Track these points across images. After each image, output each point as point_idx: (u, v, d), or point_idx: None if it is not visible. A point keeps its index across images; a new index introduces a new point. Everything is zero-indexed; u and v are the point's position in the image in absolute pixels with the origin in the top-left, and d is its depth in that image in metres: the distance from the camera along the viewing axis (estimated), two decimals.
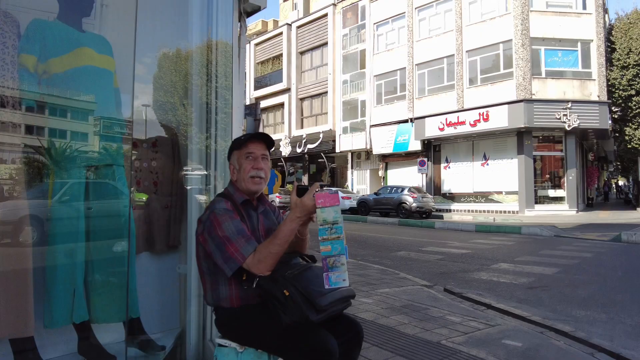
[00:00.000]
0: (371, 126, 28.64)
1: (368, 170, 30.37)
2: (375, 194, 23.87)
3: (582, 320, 4.65)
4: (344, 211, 23.99)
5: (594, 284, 6.45)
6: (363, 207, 23.70)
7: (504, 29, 22.57)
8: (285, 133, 34.82)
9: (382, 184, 28.14)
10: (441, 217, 22.65)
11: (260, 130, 10.84)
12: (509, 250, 10.01)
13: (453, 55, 24.59)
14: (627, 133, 22.77)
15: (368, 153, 29.59)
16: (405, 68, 26.95)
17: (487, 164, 24.22)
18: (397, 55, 27.49)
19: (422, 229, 16.04)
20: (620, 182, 51.23)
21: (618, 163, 47.54)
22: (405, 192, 22.23)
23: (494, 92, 22.80)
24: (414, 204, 21.68)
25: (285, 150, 33.87)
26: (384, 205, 22.98)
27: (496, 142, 23.94)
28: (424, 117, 25.30)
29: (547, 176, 23.34)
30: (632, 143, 22.80)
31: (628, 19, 22.30)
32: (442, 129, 24.37)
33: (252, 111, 10.96)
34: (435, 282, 6.39)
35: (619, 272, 7.28)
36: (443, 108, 24.74)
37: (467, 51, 24.11)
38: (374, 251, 9.80)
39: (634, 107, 21.96)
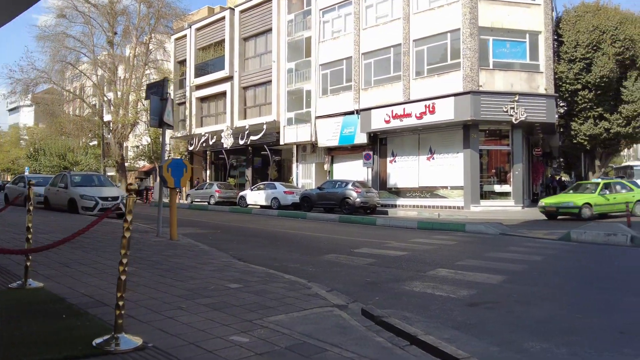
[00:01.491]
0: (317, 117, 27.32)
1: (314, 164, 29.04)
2: (319, 188, 22.60)
3: (538, 357, 3.42)
4: (285, 207, 22.63)
5: (549, 299, 5.31)
6: (306, 203, 22.37)
7: (452, 18, 21.72)
8: (227, 123, 32.97)
9: (328, 178, 26.91)
10: (386, 213, 21.66)
11: (172, 113, 9.23)
12: (451, 251, 8.88)
13: (400, 44, 23.60)
14: (573, 128, 22.51)
15: (314, 146, 28.26)
16: (351, 57, 25.76)
17: (433, 158, 23.43)
18: (344, 43, 26.27)
19: (362, 226, 14.85)
20: (564, 178, 52.37)
21: (562, 159, 48.56)
22: (350, 186, 21.08)
23: (441, 84, 21.97)
24: (358, 199, 20.59)
25: (227, 141, 32.05)
26: (327, 201, 21.77)
27: (442, 136, 23.16)
28: (370, 109, 24.22)
29: (493, 171, 22.78)
30: (577, 138, 22.57)
31: (575, 11, 21.99)
32: (388, 122, 23.35)
33: (159, 89, 9.32)
34: (355, 297, 5.07)
35: (574, 282, 6.22)
36: (389, 99, 23.75)
37: (414, 40, 23.15)
38: (300, 254, 8.42)
39: (580, 102, 21.67)
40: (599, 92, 21.24)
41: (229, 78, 33.36)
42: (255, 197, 24.33)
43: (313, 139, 27.47)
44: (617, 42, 20.86)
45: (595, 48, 20.83)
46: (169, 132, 40.15)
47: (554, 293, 5.56)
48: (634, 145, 24.63)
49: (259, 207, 23.65)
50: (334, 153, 27.60)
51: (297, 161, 29.68)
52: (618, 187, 17.47)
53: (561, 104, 23.65)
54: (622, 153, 55.18)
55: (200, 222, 15.07)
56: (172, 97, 9.61)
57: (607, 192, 17.19)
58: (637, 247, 9.52)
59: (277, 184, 24.66)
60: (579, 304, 5.05)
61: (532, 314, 4.64)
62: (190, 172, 8.87)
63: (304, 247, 9.39)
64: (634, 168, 49.28)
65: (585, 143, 22.62)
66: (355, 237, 11.21)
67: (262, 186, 24.97)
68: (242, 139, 31.10)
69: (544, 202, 18.44)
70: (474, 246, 9.85)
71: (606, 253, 8.84)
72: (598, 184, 17.59)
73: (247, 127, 30.97)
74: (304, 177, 29.59)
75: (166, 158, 33.57)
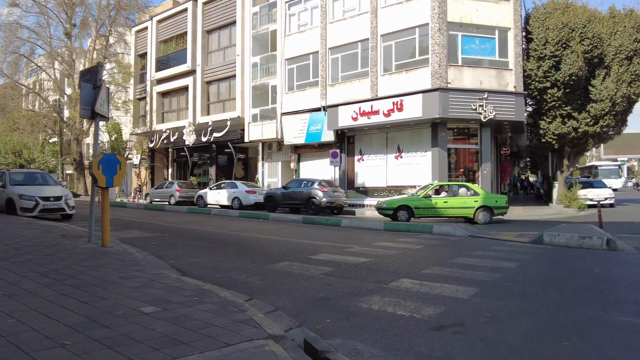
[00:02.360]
0: (282, 114, 26.35)
1: (280, 163, 28.08)
2: (284, 187, 21.69)
3: None
4: (247, 207, 21.61)
5: (526, 317, 4.55)
6: (270, 203, 21.42)
7: (420, 12, 21.11)
8: (189, 120, 31.64)
9: (295, 177, 26.00)
10: (353, 213, 20.95)
11: (107, 102, 8.16)
12: (416, 257, 8.11)
13: (367, 39, 22.87)
14: (541, 127, 22.18)
15: (280, 144, 27.28)
16: (318, 52, 24.90)
17: (401, 157, 22.81)
18: (310, 37, 25.38)
19: (326, 228, 14.00)
20: (532, 178, 52.89)
21: (528, 159, 48.95)
22: (315, 185, 20.25)
23: (409, 80, 21.34)
24: (324, 199, 19.79)
25: (190, 138, 30.74)
26: (292, 200, 20.88)
27: (411, 134, 22.57)
28: (337, 106, 23.42)
29: (462, 170, 22.30)
30: (546, 137, 22.26)
31: (545, 8, 21.64)
32: (355, 119, 22.58)
33: (92, 76, 8.23)
34: (303, 318, 4.21)
35: (553, 295, 5.49)
36: (357, 96, 23.00)
37: (382, 35, 22.46)
38: (249, 262, 7.50)
39: (548, 100, 21.33)
40: (567, 90, 20.96)
41: (192, 72, 32.06)
42: (216, 196, 23.19)
43: (279, 137, 26.50)
44: (586, 40, 20.60)
45: (564, 46, 20.52)
46: (128, 129, 38.48)
47: (531, 310, 4.80)
48: (601, 144, 24.39)
49: (219, 207, 22.57)
50: (301, 151, 26.69)
51: (262, 159, 28.65)
52: (462, 190, 16.91)
53: (530, 102, 23.36)
54: (586, 153, 56.28)
55: (150, 225, 13.93)
56: (106, 85, 8.51)
57: (445, 194, 16.78)
58: (613, 251, 8.97)
59: (238, 182, 23.58)
60: (562, 325, 4.30)
61: (506, 339, 3.86)
62: (125, 169, 7.81)
63: (257, 253, 8.46)
64: (599, 168, 50.36)
65: (554, 142, 22.34)
66: (316, 241, 10.33)
67: (222, 185, 23.85)
68: (204, 135, 29.85)
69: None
70: (442, 250, 9.11)
71: (583, 259, 8.22)
72: (439, 186, 17.37)
73: (210, 123, 29.74)
74: (270, 176, 28.59)
75: (124, 157, 31.77)
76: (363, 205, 23.41)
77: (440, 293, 5.42)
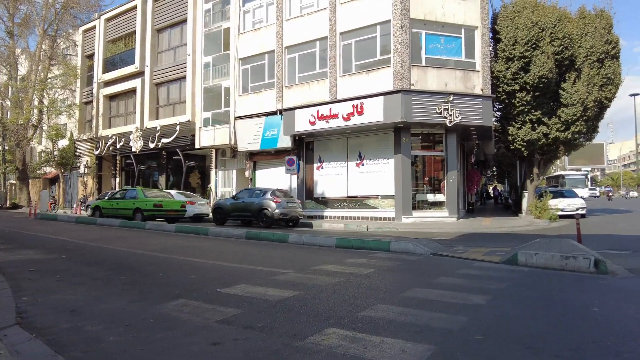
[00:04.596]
0: (236, 118, 24.39)
1: (234, 171, 26.03)
2: (234, 198, 19.68)
3: None
4: (184, 220, 19.47)
5: None
6: (219, 215, 19.38)
7: (382, 8, 19.59)
8: (136, 124, 29.26)
9: (250, 186, 23.99)
10: (310, 226, 19.09)
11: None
12: (360, 288, 6.24)
13: (326, 37, 21.23)
14: (510, 133, 20.83)
15: (234, 150, 25.24)
16: (274, 51, 23.12)
17: (363, 165, 21.13)
18: (265, 35, 23.58)
19: (270, 245, 12.04)
20: (499, 188, 52.16)
21: (495, 169, 48.18)
22: (268, 196, 18.31)
23: (370, 82, 19.74)
24: (277, 211, 17.87)
25: (136, 145, 28.36)
26: (243, 212, 18.88)
27: (372, 140, 20.95)
28: (294, 109, 21.62)
29: (427, 179, 20.75)
30: (515, 144, 20.90)
31: (514, 6, 20.37)
32: (313, 123, 20.81)
33: None
34: None
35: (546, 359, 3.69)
36: (315, 99, 21.28)
37: (341, 33, 20.84)
38: (133, 299, 5.52)
39: (517, 104, 19.99)
40: (537, 94, 19.67)
41: (140, 73, 29.78)
42: None
43: (232, 142, 24.52)
44: (556, 40, 19.39)
45: (534, 46, 19.25)
46: (75, 135, 35.68)
47: None
48: (571, 152, 23.27)
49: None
50: (257, 158, 24.74)
51: (216, 167, 26.52)
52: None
53: (498, 107, 22.04)
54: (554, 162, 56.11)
55: (57, 242, 11.70)
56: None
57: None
58: (603, 275, 7.31)
59: (174, 192, 21.36)
60: None
61: None
62: None
63: (155, 285, 6.45)
64: (566, 177, 49.96)
65: (523, 149, 21.02)
66: (245, 264, 8.38)
67: None
68: (152, 141, 27.56)
69: None
70: (395, 277, 7.28)
71: (571, 288, 6.52)
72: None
73: (158, 128, 27.48)
74: (225, 185, 26.48)
75: (70, 164, 29.02)
76: (322, 217, 21.60)
77: (377, 357, 3.55)
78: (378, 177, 20.61)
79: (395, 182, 19.80)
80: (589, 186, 56.91)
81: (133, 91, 30.37)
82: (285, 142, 22.40)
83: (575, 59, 20.06)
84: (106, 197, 22.01)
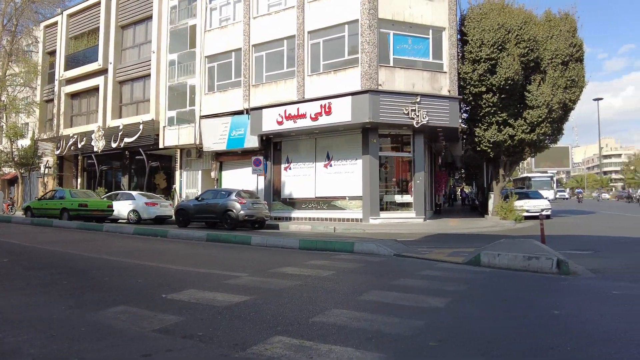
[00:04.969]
0: (202, 117, 23.84)
1: (200, 171, 25.46)
2: (197, 199, 19.15)
3: None
4: (144, 222, 18.86)
5: None
6: (182, 217, 18.83)
7: (350, 8, 19.43)
8: (99, 123, 28.33)
9: (216, 187, 23.46)
10: (277, 227, 18.74)
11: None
12: (317, 291, 5.95)
13: (294, 36, 20.94)
14: (477, 134, 20.93)
15: (199, 150, 24.67)
16: (241, 49, 22.69)
17: (331, 165, 20.91)
18: (232, 33, 23.14)
19: (231, 247, 11.64)
20: (466, 190, 52.76)
21: (463, 170, 48.72)
22: (233, 197, 17.87)
23: (338, 81, 19.55)
24: (242, 212, 17.45)
25: (98, 144, 27.45)
26: (207, 214, 18.40)
27: (340, 140, 20.77)
28: (261, 108, 21.24)
29: (394, 180, 20.67)
30: (481, 145, 21.01)
31: (481, 9, 20.50)
32: (280, 123, 20.46)
33: None
34: None
35: None
36: (282, 98, 20.96)
37: (309, 32, 20.58)
38: (70, 305, 5.09)
39: (484, 106, 20.10)
40: (503, 95, 19.82)
41: (103, 71, 28.89)
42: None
43: (198, 142, 23.96)
44: (522, 42, 19.59)
45: (500, 48, 19.38)
46: (32, 134, 34.34)
47: None
48: (536, 154, 23.59)
49: (122, 221, 19.66)
50: (223, 159, 24.23)
51: (181, 168, 25.88)
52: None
53: (465, 108, 22.15)
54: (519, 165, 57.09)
55: (4, 245, 11.03)
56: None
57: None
58: (565, 275, 7.21)
59: (135, 193, 20.67)
60: None
61: None
62: None
63: (99, 290, 6.02)
64: (532, 179, 50.91)
65: (489, 151, 21.16)
66: (198, 268, 7.97)
67: (117, 196, 20.83)
68: (115, 141, 26.72)
69: None
70: (355, 279, 7.00)
71: (532, 289, 6.37)
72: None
73: (121, 127, 26.65)
74: (190, 186, 25.88)
75: (31, 165, 27.90)
76: (290, 218, 21.28)
77: None
78: (346, 178, 20.41)
79: (363, 183, 19.63)
80: (555, 188, 58.12)
81: (96, 89, 29.40)
82: (252, 142, 21.99)
83: (541, 61, 20.32)
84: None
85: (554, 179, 63.37)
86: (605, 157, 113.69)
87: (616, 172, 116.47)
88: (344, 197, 20.48)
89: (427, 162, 23.42)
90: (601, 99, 60.56)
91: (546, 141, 21.75)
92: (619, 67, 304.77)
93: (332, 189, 20.76)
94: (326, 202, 20.88)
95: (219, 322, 4.46)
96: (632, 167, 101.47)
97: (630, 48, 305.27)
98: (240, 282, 6.55)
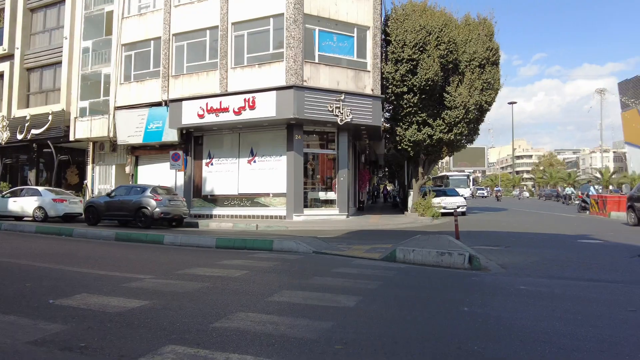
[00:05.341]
0: (116, 108, 22.51)
1: (114, 166, 24.02)
2: (109, 195, 17.97)
3: None
4: (52, 220, 17.47)
5: None
6: (91, 214, 17.55)
7: (275, 1, 19.06)
8: (3, 113, 25.96)
9: (132, 182, 22.23)
10: (196, 226, 17.99)
11: None
12: (223, 293, 5.62)
13: (217, 27, 20.23)
14: (398, 133, 21.35)
15: (113, 143, 23.25)
16: (160, 38, 21.61)
17: (255, 162, 20.48)
18: (152, 21, 22.02)
19: (142, 247, 10.95)
20: (389, 187, 54.14)
21: (387, 169, 49.96)
22: (148, 193, 16.93)
23: (263, 76, 19.12)
24: (158, 209, 16.56)
25: (2, 136, 25.13)
26: (119, 211, 17.28)
27: (265, 136, 20.39)
28: (180, 100, 20.37)
29: (318, 177, 20.61)
30: (402, 144, 21.47)
31: (404, 9, 20.90)
32: (202, 116, 19.72)
33: None
34: None
35: None
36: (204, 90, 20.21)
37: (233, 24, 19.98)
38: None
39: (405, 106, 20.53)
40: (423, 96, 20.35)
41: (9, 56, 26.52)
42: (12, 206, 18.50)
43: (112, 135, 22.61)
44: (442, 44, 20.20)
45: (421, 49, 19.87)
46: None
47: None
48: (453, 153, 24.48)
49: (25, 218, 18.09)
50: (139, 153, 23.01)
51: (93, 162, 24.28)
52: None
53: (387, 107, 22.53)
54: (437, 164, 59.32)
55: None
56: None
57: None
58: (476, 271, 7.37)
59: (42, 189, 19.11)
60: None
61: None
62: None
63: None
64: (450, 178, 53.20)
65: (409, 149, 21.68)
66: (97, 269, 7.34)
67: (21, 192, 19.16)
68: (21, 132, 24.62)
69: None
70: (268, 278, 6.73)
71: (444, 286, 6.42)
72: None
73: (28, 117, 24.56)
74: (103, 181, 24.37)
75: None
76: (211, 216, 20.60)
77: None
78: (270, 174, 20.07)
79: (287, 179, 19.39)
80: (471, 186, 61.08)
81: (0, 76, 26.89)
82: (171, 135, 21.05)
83: (459, 64, 21.07)
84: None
85: (471, 177, 66.68)
86: (518, 157, 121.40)
87: (527, 171, 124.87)
88: (267, 194, 20.13)
89: (351, 159, 23.61)
90: (515, 102, 64.54)
91: (463, 141, 22.61)
92: (532, 74, 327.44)
93: (255, 185, 20.33)
94: (249, 199, 20.43)
95: (108, 331, 4.01)
96: (541, 167, 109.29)
97: (543, 56, 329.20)
98: (142, 285, 6.07)
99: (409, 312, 4.77)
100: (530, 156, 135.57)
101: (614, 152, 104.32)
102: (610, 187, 64.08)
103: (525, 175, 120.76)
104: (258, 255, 9.18)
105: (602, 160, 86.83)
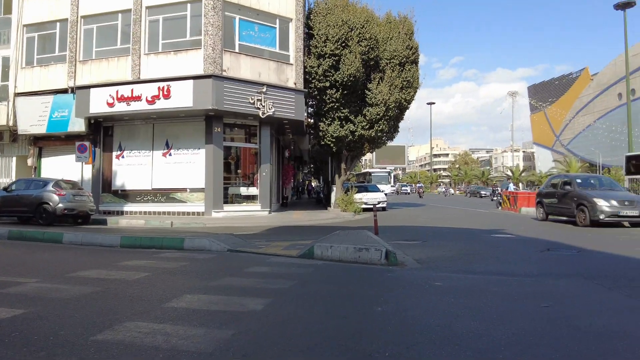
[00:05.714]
0: (17, 95, 20.53)
1: (14, 158, 21.90)
2: (6, 190, 16.27)
3: None
4: None
5: None
6: None
7: None
8: None
9: (34, 176, 20.34)
10: (104, 223, 16.71)
11: None
12: (116, 299, 5.00)
13: (130, 10, 18.95)
14: (321, 129, 21.17)
15: (14, 133, 21.16)
16: (67, 20, 19.89)
17: (170, 154, 19.46)
18: (58, 1, 20.18)
19: (36, 246, 9.84)
20: (314, 184, 54.27)
21: (312, 165, 49.97)
22: (50, 187, 15.51)
23: (179, 63, 18.16)
24: (61, 205, 15.22)
25: None
26: (17, 207, 15.73)
27: (182, 128, 19.45)
28: (89, 87, 18.92)
29: (240, 171, 19.98)
30: (325, 140, 21.32)
31: (326, 3, 20.71)
32: (112, 105, 18.40)
33: None
34: None
35: None
36: (115, 77, 18.88)
37: (147, 7, 18.82)
38: None
39: (328, 101, 20.38)
40: (346, 92, 20.31)
41: None
42: None
43: (11, 124, 20.60)
44: (364, 40, 20.22)
45: (344, 45, 19.78)
46: None
47: None
48: (375, 150, 24.77)
49: None
50: (43, 144, 21.14)
51: None
52: None
53: (311, 102, 22.29)
54: (361, 160, 60.38)
55: None
56: None
57: None
58: (393, 266, 7.22)
59: None
60: None
61: None
62: None
63: None
64: (372, 174, 54.29)
65: (332, 145, 21.59)
66: None
67: None
68: None
69: None
70: (171, 281, 6.13)
71: (359, 283, 6.17)
72: None
73: None
74: (2, 174, 22.13)
75: None
76: (122, 213, 19.32)
77: None
78: (187, 168, 19.13)
79: (206, 174, 18.57)
80: (392, 183, 62.72)
81: None
82: (78, 125, 19.46)
83: (380, 61, 21.24)
84: None
85: (392, 174, 68.57)
86: (435, 156, 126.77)
87: (444, 169, 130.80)
88: (184, 189, 19.18)
89: (274, 154, 23.17)
90: (434, 103, 67.18)
91: (384, 138, 22.90)
92: (450, 76, 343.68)
93: (171, 180, 19.29)
94: (165, 195, 19.35)
95: None
96: (457, 166, 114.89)
97: (460, 60, 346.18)
98: (22, 290, 5.27)
99: (320, 316, 4.42)
100: (447, 155, 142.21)
101: (523, 151, 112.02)
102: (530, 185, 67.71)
103: (443, 173, 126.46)
104: (166, 254, 8.50)
105: (513, 159, 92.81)
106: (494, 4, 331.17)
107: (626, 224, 14.25)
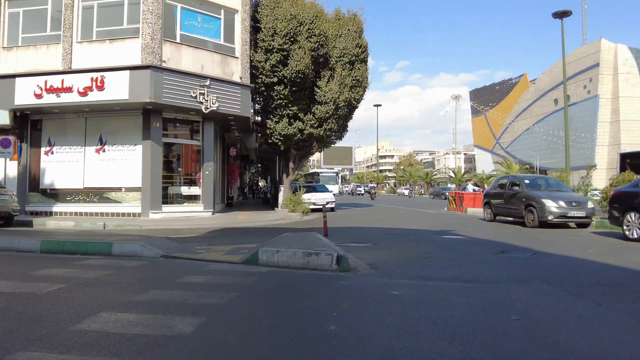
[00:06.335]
0: None
1: None
2: None
3: None
4: None
5: None
6: None
7: None
8: None
9: None
10: (30, 225, 15.22)
11: None
12: (16, 320, 4.09)
13: None
14: (268, 126, 20.39)
15: None
16: None
17: (104, 151, 18.09)
18: None
19: None
20: (261, 183, 53.25)
21: (259, 165, 48.97)
22: None
23: (114, 53, 16.87)
24: None
25: None
26: None
27: (117, 122, 18.15)
28: (13, 77, 17.25)
29: (181, 170, 18.88)
30: (273, 138, 20.56)
31: None
32: (39, 96, 16.85)
33: None
34: None
35: None
36: (43, 66, 17.30)
37: None
38: None
39: (276, 98, 19.63)
40: (294, 89, 19.65)
41: None
42: None
43: None
44: (313, 36, 19.63)
45: (292, 39, 19.10)
46: None
47: None
48: (323, 150, 24.27)
49: None
50: None
51: None
52: None
53: (258, 99, 21.46)
54: (309, 160, 59.86)
55: None
56: None
57: None
58: (345, 272, 6.61)
59: None
60: None
61: None
62: None
63: None
64: (320, 174, 53.92)
65: (280, 143, 20.87)
66: None
67: None
68: None
69: None
70: (88, 294, 5.23)
71: (307, 294, 5.52)
72: None
73: None
74: None
75: None
76: (51, 213, 17.78)
77: None
78: (123, 165, 17.82)
79: (143, 172, 17.35)
80: (339, 183, 62.60)
81: None
82: (2, 118, 17.70)
83: (330, 58, 20.73)
84: None
85: (339, 174, 68.58)
86: (382, 157, 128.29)
87: (390, 170, 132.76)
88: (119, 188, 17.86)
89: (219, 152, 22.17)
90: (380, 105, 67.80)
91: (333, 137, 22.45)
92: (396, 80, 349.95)
93: (105, 178, 17.91)
94: (98, 194, 17.95)
95: None
96: (402, 167, 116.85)
97: (406, 64, 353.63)
98: None
99: (261, 341, 3.68)
100: (392, 156, 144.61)
101: (465, 154, 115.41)
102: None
103: (388, 174, 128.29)
104: (90, 262, 7.51)
105: (455, 161, 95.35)
106: (436, 12, 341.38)
107: (572, 224, 14.41)
